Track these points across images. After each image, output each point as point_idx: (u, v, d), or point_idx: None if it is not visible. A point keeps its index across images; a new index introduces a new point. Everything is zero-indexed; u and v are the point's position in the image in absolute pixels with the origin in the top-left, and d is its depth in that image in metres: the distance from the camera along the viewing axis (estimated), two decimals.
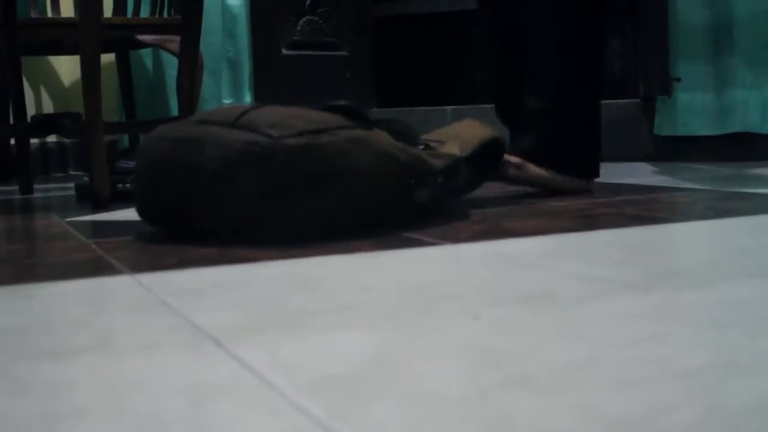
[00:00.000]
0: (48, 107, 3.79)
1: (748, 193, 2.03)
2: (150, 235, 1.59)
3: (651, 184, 2.32)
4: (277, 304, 0.97)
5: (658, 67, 3.16)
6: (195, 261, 1.28)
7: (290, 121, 1.45)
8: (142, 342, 0.83)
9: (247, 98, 3.49)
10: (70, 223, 1.89)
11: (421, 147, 1.65)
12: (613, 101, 3.45)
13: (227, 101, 3.53)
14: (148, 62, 3.73)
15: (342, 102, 1.54)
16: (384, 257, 1.27)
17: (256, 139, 1.41)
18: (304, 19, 3.47)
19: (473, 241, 1.39)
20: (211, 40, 3.41)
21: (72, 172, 3.77)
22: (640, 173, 2.77)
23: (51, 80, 3.81)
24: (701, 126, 3.20)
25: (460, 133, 1.78)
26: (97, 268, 1.27)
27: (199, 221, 1.48)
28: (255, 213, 1.42)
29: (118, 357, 0.78)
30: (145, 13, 3.47)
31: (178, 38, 2.81)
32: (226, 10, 3.51)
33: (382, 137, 1.52)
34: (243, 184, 1.41)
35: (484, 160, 1.84)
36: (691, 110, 3.20)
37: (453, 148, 1.67)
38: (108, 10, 3.44)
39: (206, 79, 3.33)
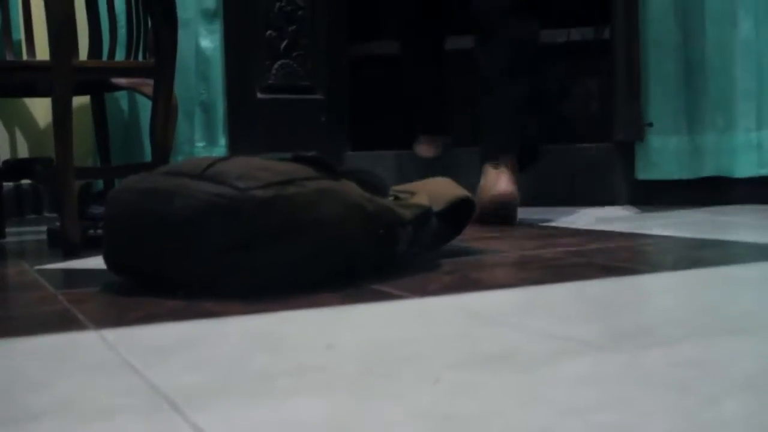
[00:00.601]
0: (23, 149, 3.77)
1: (719, 240, 2.04)
2: (118, 285, 1.58)
3: (624, 230, 2.33)
4: (239, 364, 0.96)
5: (630, 111, 3.17)
6: (161, 315, 1.27)
7: (257, 172, 1.45)
8: (101, 406, 0.83)
9: (222, 142, 3.48)
10: (40, 271, 1.88)
11: (391, 198, 1.65)
12: (589, 145, 3.47)
13: (200, 144, 3.52)
14: (124, 104, 3.73)
15: (310, 153, 1.54)
16: (350, 312, 1.26)
17: (224, 191, 1.41)
18: (279, 62, 3.47)
19: (441, 294, 1.38)
20: (184, 83, 3.41)
21: (47, 214, 3.75)
22: (615, 218, 2.78)
23: (26, 123, 3.80)
24: (675, 170, 3.21)
25: (431, 188, 1.78)
26: (62, 322, 1.26)
27: (166, 273, 1.47)
28: (222, 265, 1.41)
29: (75, 423, 0.77)
30: (120, 56, 3.47)
31: (152, 81, 2.81)
32: (199, 52, 3.51)
33: (350, 188, 1.52)
34: (210, 236, 1.41)
35: (454, 218, 1.85)
36: (665, 154, 3.22)
37: (423, 199, 1.67)
38: (84, 52, 3.44)
39: (179, 122, 3.32)
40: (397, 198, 1.66)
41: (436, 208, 1.75)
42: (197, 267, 1.43)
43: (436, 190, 1.81)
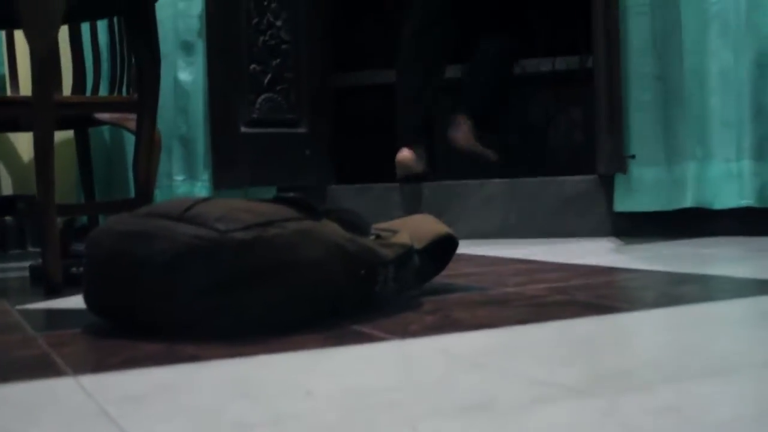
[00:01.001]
0: (7, 185, 3.77)
1: (699, 275, 2.04)
2: (99, 327, 1.57)
3: (606, 264, 2.33)
4: (216, 413, 0.96)
5: (612, 144, 3.18)
6: (140, 360, 1.26)
7: (238, 214, 1.45)
8: None
9: (204, 176, 3.48)
10: (22, 311, 1.87)
11: (372, 237, 1.65)
12: (571, 177, 3.48)
13: (179, 178, 3.52)
14: (108, 139, 3.73)
15: (291, 194, 1.54)
16: (330, 355, 1.26)
17: (204, 233, 1.41)
18: (262, 96, 3.48)
19: (422, 335, 1.38)
20: (161, 116, 3.40)
21: (31, 249, 3.74)
22: (598, 252, 2.78)
23: (10, 158, 3.80)
24: (654, 202, 3.22)
25: (413, 225, 1.78)
26: (40, 368, 1.25)
27: (146, 315, 1.47)
28: (203, 307, 1.41)
29: None
30: (104, 90, 3.48)
31: (135, 116, 2.81)
32: (178, 85, 3.52)
33: (331, 228, 1.52)
34: (191, 279, 1.40)
35: (436, 255, 1.85)
36: (644, 186, 3.23)
37: (404, 238, 1.67)
38: (70, 86, 3.45)
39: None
40: (378, 237, 1.66)
41: (419, 245, 1.75)
42: (177, 310, 1.42)
43: (418, 228, 1.81)
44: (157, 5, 2.90)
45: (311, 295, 1.47)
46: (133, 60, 2.99)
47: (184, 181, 3.53)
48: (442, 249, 1.88)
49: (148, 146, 2.84)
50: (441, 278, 1.99)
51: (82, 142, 3.56)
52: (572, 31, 4.68)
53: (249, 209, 1.48)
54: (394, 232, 1.71)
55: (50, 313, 1.90)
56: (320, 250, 1.47)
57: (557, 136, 5.34)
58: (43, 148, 2.30)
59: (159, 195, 3.49)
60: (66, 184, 3.64)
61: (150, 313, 1.46)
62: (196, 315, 1.41)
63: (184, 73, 3.53)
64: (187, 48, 3.52)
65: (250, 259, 1.40)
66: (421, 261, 1.75)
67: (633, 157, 3.17)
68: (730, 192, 3.14)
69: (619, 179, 3.26)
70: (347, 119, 4.65)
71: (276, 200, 1.55)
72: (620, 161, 3.14)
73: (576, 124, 5.30)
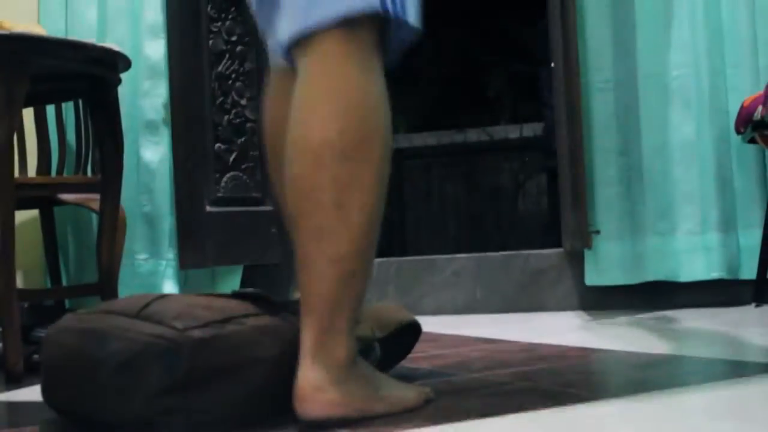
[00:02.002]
0: None
1: (665, 356, 2.03)
2: (56, 425, 1.55)
3: (572, 344, 2.32)
4: None
5: (577, 220, 3.19)
6: None
7: (195, 311, 1.43)
8: None
9: (170, 255, 3.46)
10: None
11: None
12: (537, 251, 3.49)
13: (142, 256, 3.50)
14: (74, 218, 3.70)
15: (250, 289, 1.54)
16: None
17: (161, 331, 1.39)
18: (228, 175, 3.47)
19: (381, 427, 1.36)
20: (124, 194, 3.36)
21: None
22: (565, 329, 2.78)
23: None
24: (621, 276, 3.23)
25: (376, 314, 1.77)
26: None
27: (104, 415, 1.45)
28: (160, 406, 1.39)
29: None
30: (69, 170, 3.47)
31: (99, 197, 2.80)
32: (142, 164, 3.51)
33: (290, 323, 1.51)
34: (148, 379, 1.38)
35: (400, 342, 1.84)
36: (611, 260, 3.24)
37: (366, 330, 1.66)
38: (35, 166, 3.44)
39: None
40: None
41: (382, 333, 1.75)
42: (135, 410, 1.40)
43: (382, 316, 1.80)
44: (122, 84, 2.91)
45: (270, 392, 1.45)
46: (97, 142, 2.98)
47: (148, 260, 3.50)
48: (406, 335, 1.87)
49: (112, 228, 2.82)
50: (406, 362, 1.98)
51: (47, 222, 3.54)
52: (538, 98, 4.74)
53: (207, 306, 1.46)
54: (356, 322, 1.69)
55: (9, 406, 1.87)
56: (279, 346, 1.46)
57: (526, 202, 5.37)
58: (3, 234, 2.28)
59: (122, 274, 3.47)
60: (32, 264, 3.61)
61: (108, 412, 1.44)
62: (154, 413, 1.39)
63: (149, 151, 3.52)
64: (152, 127, 3.52)
65: (208, 358, 1.39)
66: (384, 349, 1.74)
67: (598, 232, 3.17)
68: (697, 264, 3.16)
69: (588, 254, 3.27)
70: None
71: (235, 295, 1.54)
72: (585, 237, 3.15)
73: (544, 191, 5.34)
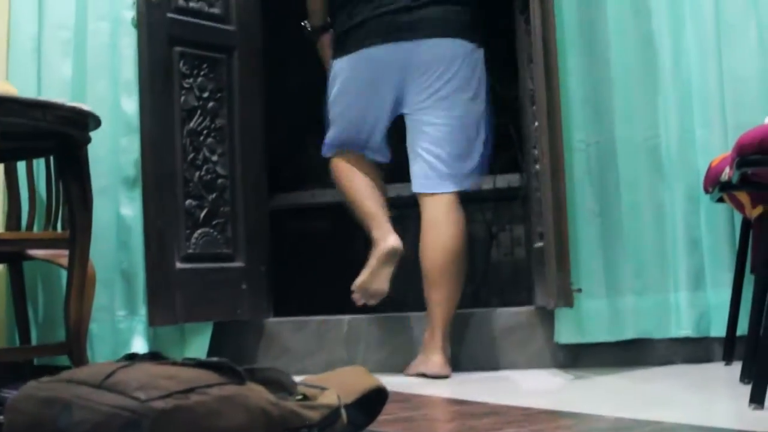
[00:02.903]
0: None
1: (639, 421, 2.01)
2: None
3: (542, 406, 2.30)
4: None
5: (561, 280, 3.16)
6: None
7: (159, 381, 1.42)
8: None
9: (143, 311, 3.43)
10: None
11: (299, 398, 1.62)
12: (508, 309, 3.48)
13: (121, 313, 3.47)
14: (45, 274, 3.68)
15: (215, 359, 1.53)
16: None
17: (124, 402, 1.38)
18: (198, 231, 3.45)
19: None
20: (103, 250, 3.38)
21: None
22: (535, 389, 2.77)
23: None
24: (596, 334, 3.23)
25: (342, 380, 1.77)
26: None
27: None
28: None
29: None
30: (39, 226, 3.45)
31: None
32: (120, 220, 3.49)
33: (255, 392, 1.49)
34: None
35: (367, 407, 1.83)
36: (586, 318, 3.23)
37: (332, 397, 1.65)
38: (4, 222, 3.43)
39: (99, 291, 3.27)
40: (305, 397, 1.64)
41: (348, 399, 1.73)
42: None
43: (347, 382, 1.79)
44: (100, 140, 2.92)
45: None
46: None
47: (126, 317, 3.47)
48: (372, 401, 1.86)
49: (80, 285, 2.82)
50: (372, 426, 1.96)
51: (16, 278, 3.51)
52: (513, 148, 4.74)
53: (171, 375, 1.45)
54: (322, 389, 1.68)
55: None
56: (243, 416, 1.45)
57: (500, 254, 5.36)
58: None
59: (99, 330, 3.45)
60: (0, 324, 3.58)
61: None
62: None
63: (126, 207, 3.50)
64: (128, 183, 3.50)
65: (171, 429, 1.37)
66: (350, 415, 1.73)
67: (579, 290, 3.17)
68: (669, 323, 3.17)
69: (560, 311, 3.27)
70: (287, 241, 4.65)
71: (200, 364, 1.53)
72: (568, 295, 3.12)
73: (518, 242, 5.34)
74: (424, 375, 3.13)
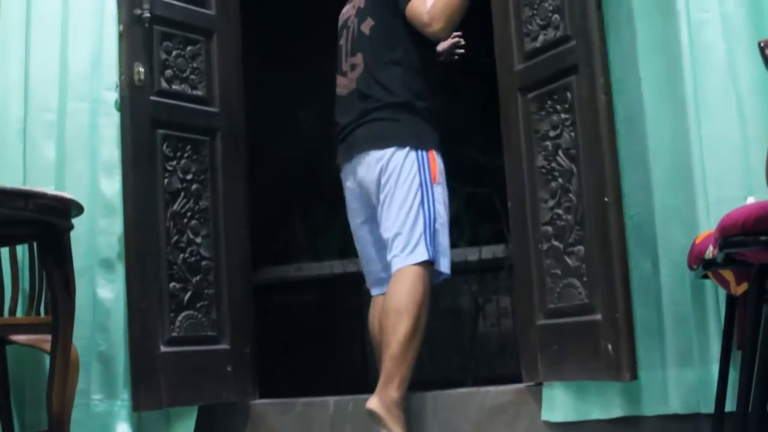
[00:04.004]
0: None
1: None
2: None
3: None
4: None
5: (624, 350, 3.14)
6: None
7: None
8: None
9: (124, 395, 3.40)
10: None
11: None
12: (495, 388, 3.46)
13: (97, 397, 3.44)
14: (28, 359, 3.64)
15: None
16: None
17: None
18: (182, 314, 3.44)
19: None
20: (80, 333, 3.33)
21: None
22: None
23: None
24: (584, 411, 3.21)
25: None
26: None
27: None
28: None
29: None
30: (22, 310, 3.43)
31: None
32: (98, 302, 3.48)
33: None
34: None
35: None
36: (577, 395, 3.21)
37: None
38: None
39: None
40: None
41: None
42: None
43: None
44: (78, 221, 2.90)
45: None
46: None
47: (103, 401, 3.43)
48: None
49: (63, 371, 2.81)
50: None
51: None
52: (498, 220, 4.76)
53: None
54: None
55: None
56: None
57: (487, 325, 5.35)
58: None
59: (76, 414, 3.40)
60: None
61: None
62: None
63: (105, 290, 3.48)
64: (107, 265, 3.49)
65: None
66: None
67: None
68: (657, 400, 3.15)
69: (547, 389, 3.25)
70: (273, 315, 4.64)
71: None
72: (632, 368, 3.10)
73: (505, 313, 5.33)
74: None
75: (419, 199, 3.24)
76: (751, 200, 2.75)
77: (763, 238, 2.25)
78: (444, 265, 3.26)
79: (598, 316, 3.10)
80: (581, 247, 3.17)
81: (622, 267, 3.04)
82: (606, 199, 3.05)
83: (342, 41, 3.51)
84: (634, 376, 3.03)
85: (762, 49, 2.41)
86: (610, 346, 3.03)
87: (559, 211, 3.23)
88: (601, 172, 3.07)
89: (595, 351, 3.08)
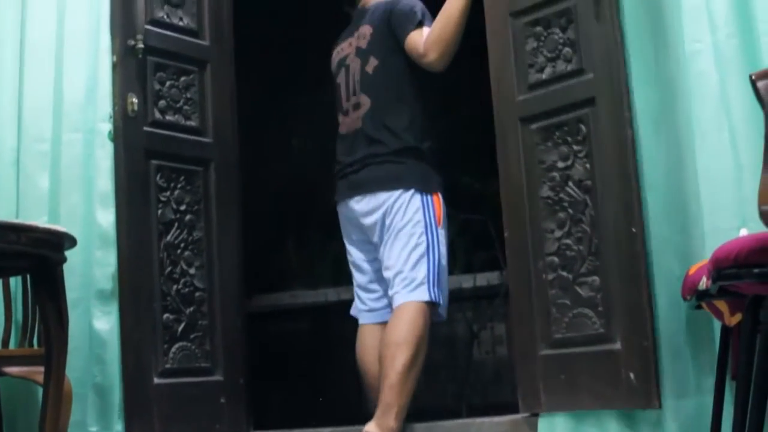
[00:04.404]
0: None
1: None
2: None
3: None
4: None
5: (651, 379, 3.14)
6: None
7: None
8: None
9: (118, 427, 3.39)
10: None
11: None
12: (490, 419, 3.44)
13: (93, 429, 3.42)
14: (22, 391, 3.62)
15: None
16: None
17: None
18: (176, 345, 3.44)
19: None
20: (76, 364, 3.33)
21: None
22: None
23: None
24: None
25: None
26: None
27: None
28: None
29: None
30: (15, 342, 3.42)
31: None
32: (93, 333, 3.46)
33: None
34: None
35: None
36: (574, 427, 3.20)
37: None
38: None
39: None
40: None
41: None
42: None
43: None
44: (74, 252, 2.90)
45: None
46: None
47: None
48: None
49: (56, 404, 2.79)
50: None
51: None
52: (492, 246, 4.75)
53: None
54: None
55: None
56: None
57: (482, 352, 5.34)
58: None
59: None
60: None
61: None
62: None
63: (101, 321, 3.47)
64: (103, 296, 3.48)
65: None
66: None
67: None
68: (654, 430, 3.13)
69: (544, 419, 3.23)
70: (267, 343, 4.63)
71: None
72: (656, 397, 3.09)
73: (500, 341, 5.32)
74: None
75: (424, 242, 3.30)
76: (744, 232, 2.76)
77: (756, 270, 2.24)
78: (443, 309, 3.34)
79: (617, 345, 3.10)
80: (595, 278, 3.16)
81: (648, 296, 3.05)
82: (633, 230, 3.06)
83: (340, 80, 3.55)
84: (660, 403, 3.03)
85: (753, 82, 2.42)
86: (632, 375, 3.03)
87: (568, 242, 3.23)
88: (628, 203, 3.08)
89: (613, 380, 3.08)
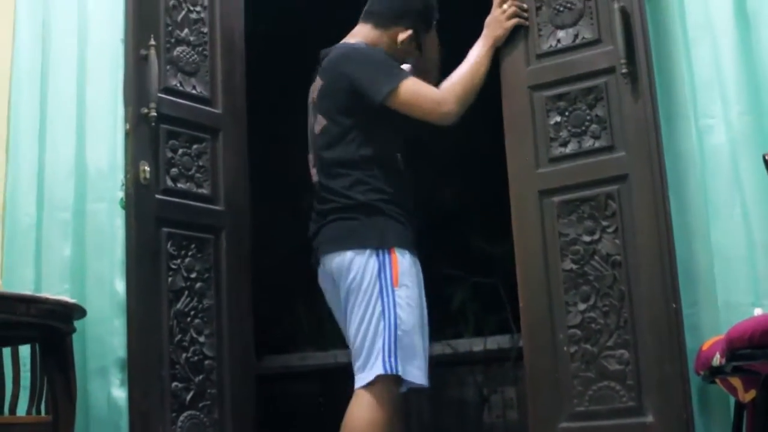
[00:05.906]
0: None
1: None
2: None
3: None
4: None
5: None
6: None
7: None
8: None
9: None
10: None
11: None
12: None
13: None
14: None
15: None
16: None
17: None
18: (184, 414, 3.42)
19: None
20: None
21: None
22: None
23: None
24: None
25: None
26: None
27: None
28: None
29: None
30: (23, 406, 3.41)
31: None
32: (112, 401, 3.47)
33: None
34: None
35: None
36: None
37: None
38: None
39: None
40: None
41: None
42: None
43: None
44: (97, 321, 2.92)
45: None
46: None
47: None
48: None
49: None
50: None
51: None
52: (503, 310, 4.75)
53: None
54: None
55: None
56: None
57: (492, 416, 5.32)
58: None
59: None
60: None
61: None
62: None
63: (118, 389, 3.47)
64: (121, 365, 3.47)
65: None
66: None
67: None
68: None
69: None
70: (276, 405, 4.62)
71: None
72: None
73: (510, 405, 5.30)
74: None
75: (380, 309, 3.03)
76: (758, 311, 2.76)
77: None
78: (411, 375, 2.98)
79: (650, 419, 3.06)
80: (624, 351, 3.12)
81: (686, 372, 3.01)
82: (674, 305, 3.03)
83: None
84: None
85: (767, 162, 2.43)
86: None
87: (593, 315, 3.19)
88: (665, 279, 3.06)
89: None
